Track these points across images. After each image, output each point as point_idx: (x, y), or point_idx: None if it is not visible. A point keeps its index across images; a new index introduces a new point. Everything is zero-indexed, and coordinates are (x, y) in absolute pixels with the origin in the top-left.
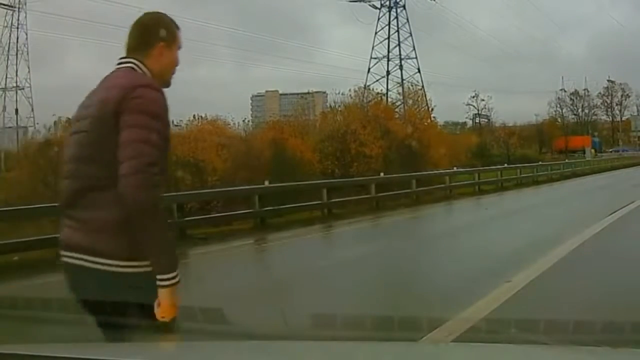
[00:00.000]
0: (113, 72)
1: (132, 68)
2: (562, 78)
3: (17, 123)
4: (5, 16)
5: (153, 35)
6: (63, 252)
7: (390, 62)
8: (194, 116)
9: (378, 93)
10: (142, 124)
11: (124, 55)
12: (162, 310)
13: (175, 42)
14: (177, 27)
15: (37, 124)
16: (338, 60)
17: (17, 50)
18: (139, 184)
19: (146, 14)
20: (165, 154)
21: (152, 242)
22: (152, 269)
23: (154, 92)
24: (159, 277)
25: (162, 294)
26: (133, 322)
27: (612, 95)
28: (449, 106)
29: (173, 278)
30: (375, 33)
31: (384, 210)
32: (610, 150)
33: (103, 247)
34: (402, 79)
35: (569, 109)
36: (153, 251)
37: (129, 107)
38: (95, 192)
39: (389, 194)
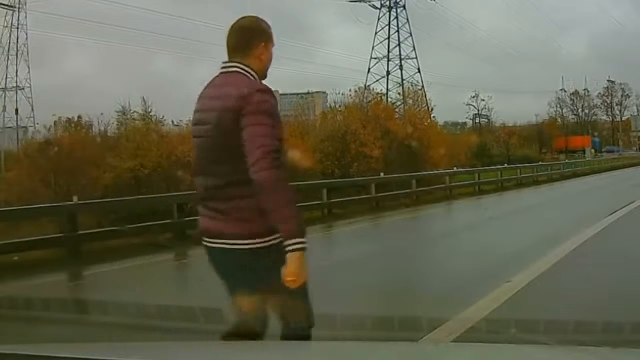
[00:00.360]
0: (221, 76)
1: (241, 72)
2: (562, 78)
3: (17, 123)
4: (5, 16)
5: (254, 38)
6: (205, 239)
7: (390, 62)
8: None
9: (378, 93)
10: (262, 122)
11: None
12: (289, 273)
13: (271, 42)
14: (269, 27)
15: (37, 124)
16: (338, 60)
17: (17, 50)
18: (266, 167)
19: (244, 18)
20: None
21: (281, 212)
22: (281, 237)
23: (267, 95)
24: (287, 242)
25: (291, 259)
26: (268, 296)
27: (612, 95)
28: (449, 106)
29: (300, 243)
30: (375, 33)
31: (384, 210)
32: (604, 150)
33: (239, 230)
34: (402, 79)
35: (569, 109)
36: (282, 220)
37: (250, 110)
38: (230, 187)
39: (389, 194)
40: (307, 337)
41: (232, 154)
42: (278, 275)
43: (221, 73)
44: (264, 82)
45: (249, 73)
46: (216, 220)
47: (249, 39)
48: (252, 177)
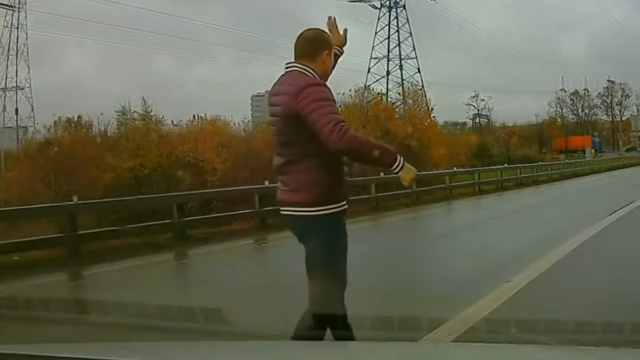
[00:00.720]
0: (285, 74)
1: (300, 71)
2: (562, 78)
3: (17, 123)
4: (5, 16)
5: (319, 47)
6: (280, 208)
7: (390, 62)
8: (193, 116)
9: (378, 93)
10: (322, 105)
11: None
12: (402, 178)
13: (332, 50)
14: (328, 35)
15: (37, 124)
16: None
17: (17, 50)
18: (340, 136)
19: (310, 30)
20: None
21: (370, 159)
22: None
23: (321, 86)
24: (392, 169)
25: (401, 175)
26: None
27: (612, 95)
28: (449, 106)
29: (397, 166)
30: (375, 33)
31: (384, 210)
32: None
33: (302, 200)
34: (402, 79)
35: (569, 109)
36: (378, 160)
37: (308, 101)
38: (289, 165)
39: (389, 194)
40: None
41: (291, 140)
42: (324, 247)
43: (285, 72)
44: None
45: (307, 71)
46: (282, 191)
47: (315, 47)
48: (330, 149)
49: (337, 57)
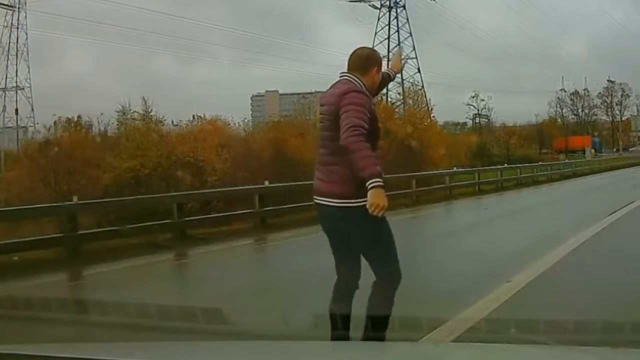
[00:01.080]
0: (338, 81)
1: (349, 79)
2: (562, 78)
3: (17, 123)
4: (5, 16)
5: (370, 64)
6: (314, 197)
7: (390, 62)
8: (193, 116)
9: None
10: (352, 108)
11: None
12: (370, 203)
13: (380, 69)
14: (379, 58)
15: (37, 124)
16: (338, 60)
17: (17, 50)
18: (348, 135)
19: (364, 49)
20: (371, 129)
21: (362, 163)
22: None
23: (360, 93)
24: (368, 182)
25: (371, 193)
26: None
27: (612, 95)
28: (449, 106)
29: (375, 182)
30: (375, 33)
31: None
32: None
33: (330, 190)
34: (402, 79)
35: (569, 109)
36: (363, 168)
37: (345, 102)
38: (328, 156)
39: (389, 194)
40: (391, 293)
41: (334, 135)
42: (357, 235)
43: (338, 80)
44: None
45: (356, 81)
46: (319, 181)
47: (367, 63)
48: (342, 144)
49: (389, 79)
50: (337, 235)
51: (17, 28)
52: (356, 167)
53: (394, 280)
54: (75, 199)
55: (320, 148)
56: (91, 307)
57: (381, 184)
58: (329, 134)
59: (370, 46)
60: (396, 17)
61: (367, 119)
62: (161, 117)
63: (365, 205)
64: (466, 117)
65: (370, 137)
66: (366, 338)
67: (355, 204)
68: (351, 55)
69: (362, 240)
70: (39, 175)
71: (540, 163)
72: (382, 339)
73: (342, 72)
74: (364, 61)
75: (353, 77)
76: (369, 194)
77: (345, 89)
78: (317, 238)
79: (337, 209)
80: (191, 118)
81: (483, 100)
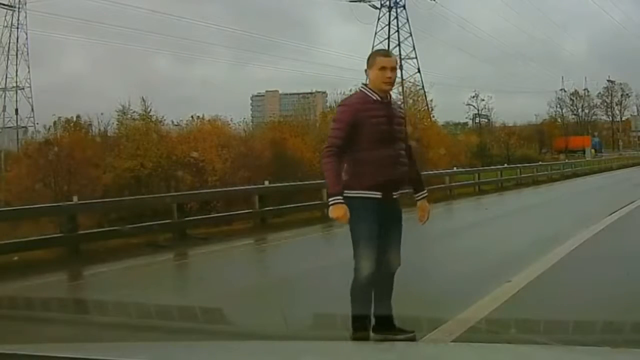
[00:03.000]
0: None
1: (360, 90)
2: (562, 78)
3: (17, 123)
4: (5, 16)
5: (369, 66)
6: None
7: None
8: (192, 116)
9: None
10: (330, 126)
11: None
12: (330, 214)
13: (375, 66)
14: (379, 55)
15: (37, 124)
16: (338, 60)
17: (17, 50)
18: (322, 156)
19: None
20: (372, 131)
21: (326, 181)
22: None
23: (342, 106)
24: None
25: (331, 208)
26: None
27: (612, 95)
28: (449, 106)
29: (331, 200)
30: (375, 33)
31: None
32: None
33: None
34: (402, 79)
35: (569, 109)
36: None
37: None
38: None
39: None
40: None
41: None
42: (351, 224)
43: None
44: (389, 93)
45: (365, 89)
46: None
47: (368, 67)
48: None
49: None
50: None
51: (17, 28)
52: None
53: (355, 280)
54: (75, 199)
55: None
56: (91, 307)
57: (337, 201)
58: None
59: (372, 46)
60: (396, 17)
61: (340, 133)
62: (161, 117)
63: (352, 197)
64: (466, 117)
65: (372, 141)
66: (353, 338)
67: (347, 194)
68: None
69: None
70: (39, 175)
71: (540, 163)
72: (364, 338)
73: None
74: (367, 65)
75: (363, 85)
76: (331, 208)
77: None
78: (317, 238)
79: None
80: (191, 118)
81: (483, 100)
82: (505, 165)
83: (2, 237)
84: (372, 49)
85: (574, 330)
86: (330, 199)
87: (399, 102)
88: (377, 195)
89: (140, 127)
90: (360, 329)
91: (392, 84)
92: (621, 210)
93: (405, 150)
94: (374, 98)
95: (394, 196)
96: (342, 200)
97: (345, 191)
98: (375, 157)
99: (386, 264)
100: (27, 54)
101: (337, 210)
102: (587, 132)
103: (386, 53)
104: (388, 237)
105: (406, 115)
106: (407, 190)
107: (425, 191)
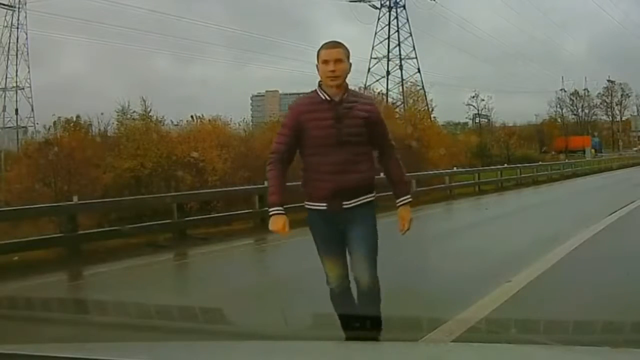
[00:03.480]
0: None
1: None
2: (562, 78)
3: (17, 123)
4: (5, 16)
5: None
6: None
7: (390, 62)
8: (192, 116)
9: (379, 92)
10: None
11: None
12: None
13: (319, 60)
14: (322, 48)
15: (37, 124)
16: None
17: (17, 50)
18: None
19: None
20: (323, 134)
21: None
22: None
23: (288, 111)
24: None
25: (270, 220)
26: None
27: (612, 95)
28: (449, 106)
29: (269, 211)
30: (375, 33)
31: (383, 211)
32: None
33: None
34: (402, 79)
35: (569, 109)
36: None
37: None
38: None
39: (389, 194)
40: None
41: None
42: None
43: None
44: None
45: (317, 88)
46: None
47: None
48: None
49: None
50: None
51: (17, 28)
52: None
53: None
54: (75, 199)
55: None
56: (91, 307)
57: (274, 212)
58: None
59: (372, 46)
60: (396, 17)
61: (284, 138)
62: (161, 117)
63: (309, 208)
64: (466, 117)
65: (316, 146)
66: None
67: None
68: None
69: None
70: (39, 175)
71: (540, 163)
72: (355, 338)
73: None
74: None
75: (319, 82)
76: (270, 219)
77: None
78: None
79: None
80: (190, 118)
81: (483, 100)
82: (505, 165)
83: (2, 237)
84: (372, 49)
85: (574, 330)
86: (269, 210)
87: (368, 97)
88: (321, 206)
89: (140, 127)
90: (347, 328)
91: (337, 78)
92: (621, 210)
93: (368, 154)
94: (322, 98)
95: (345, 206)
96: (281, 211)
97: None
98: (318, 164)
99: (355, 281)
100: (27, 54)
101: (274, 222)
102: (587, 132)
103: (329, 44)
104: (351, 252)
105: (376, 112)
106: (367, 198)
107: (407, 197)
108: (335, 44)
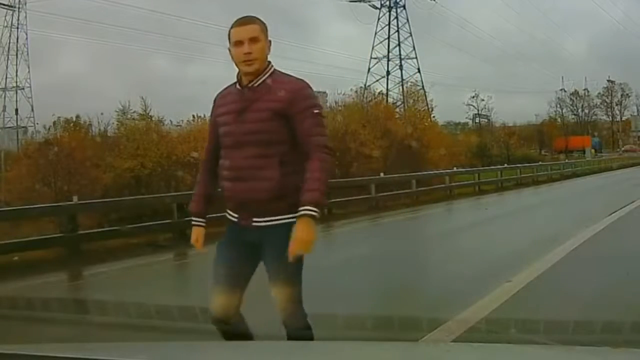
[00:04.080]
0: None
1: None
2: (562, 78)
3: (17, 123)
4: (5, 16)
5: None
6: None
7: (390, 62)
8: (193, 116)
9: (379, 92)
10: None
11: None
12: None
13: (230, 42)
14: (233, 26)
15: (37, 124)
16: (338, 60)
17: (17, 50)
18: None
19: None
20: (214, 138)
21: None
22: None
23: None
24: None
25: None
26: None
27: (612, 95)
28: (449, 106)
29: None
30: (375, 33)
31: (384, 210)
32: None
33: None
34: (402, 79)
35: (569, 109)
36: None
37: None
38: None
39: (389, 194)
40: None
41: None
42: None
43: None
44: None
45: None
46: None
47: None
48: None
49: None
50: None
51: (17, 28)
52: None
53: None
54: (75, 199)
55: None
56: (91, 307)
57: (193, 223)
58: None
59: (372, 46)
60: (396, 17)
61: (209, 138)
62: (161, 116)
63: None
64: (466, 117)
65: (223, 147)
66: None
67: None
68: None
69: None
70: (39, 175)
71: (540, 163)
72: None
73: None
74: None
75: None
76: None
77: None
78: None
79: None
80: (191, 118)
81: (483, 100)
82: (505, 165)
83: (2, 237)
84: (372, 49)
85: (574, 330)
86: (192, 216)
87: (291, 82)
88: (234, 217)
89: (140, 127)
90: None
91: (254, 61)
92: (621, 210)
93: (281, 157)
94: (236, 87)
95: (255, 224)
96: (198, 222)
97: None
98: (222, 168)
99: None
100: (27, 54)
101: (192, 234)
102: (587, 132)
103: (240, 20)
104: (269, 281)
105: (293, 100)
106: (285, 219)
107: (309, 207)
108: (247, 19)
